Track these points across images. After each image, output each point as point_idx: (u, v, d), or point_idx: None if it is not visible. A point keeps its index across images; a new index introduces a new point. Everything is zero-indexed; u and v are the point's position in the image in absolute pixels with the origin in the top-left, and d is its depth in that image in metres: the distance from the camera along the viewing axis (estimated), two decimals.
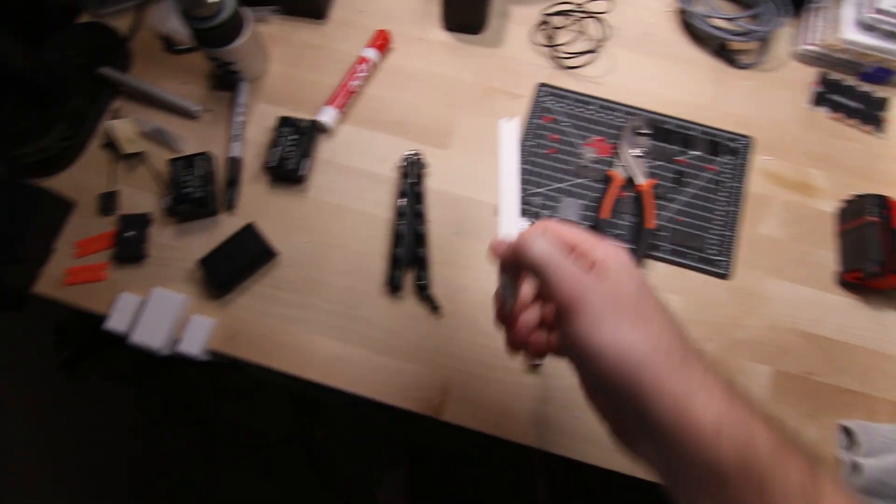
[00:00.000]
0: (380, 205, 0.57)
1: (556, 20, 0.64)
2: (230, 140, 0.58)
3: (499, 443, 0.50)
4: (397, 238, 0.55)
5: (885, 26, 0.57)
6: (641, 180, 0.57)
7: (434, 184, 0.58)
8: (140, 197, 0.57)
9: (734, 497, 0.24)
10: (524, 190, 0.57)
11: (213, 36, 0.54)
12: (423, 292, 0.54)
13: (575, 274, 0.28)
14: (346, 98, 0.59)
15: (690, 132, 0.60)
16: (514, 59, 0.63)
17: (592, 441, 0.49)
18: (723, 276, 0.55)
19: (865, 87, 0.62)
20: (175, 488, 1.13)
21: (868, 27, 0.58)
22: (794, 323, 0.54)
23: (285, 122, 0.57)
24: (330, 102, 0.59)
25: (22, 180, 0.55)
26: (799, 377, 0.52)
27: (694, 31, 0.64)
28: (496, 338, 0.53)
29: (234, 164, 0.57)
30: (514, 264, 0.32)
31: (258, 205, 0.57)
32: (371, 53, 0.61)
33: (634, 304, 0.28)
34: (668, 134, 0.60)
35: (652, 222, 0.55)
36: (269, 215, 0.56)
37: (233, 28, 0.54)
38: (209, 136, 0.60)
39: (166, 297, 0.53)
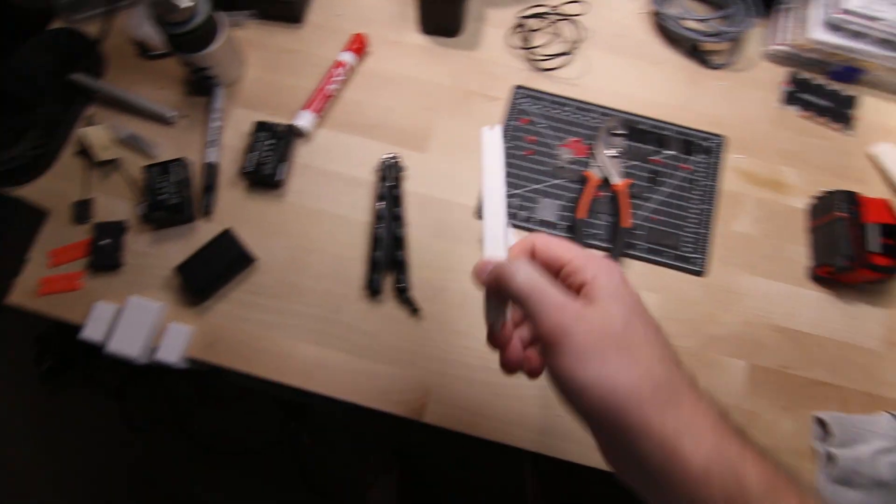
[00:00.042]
0: (358, 208, 0.57)
1: (532, 23, 0.65)
2: (206, 146, 0.58)
3: (489, 444, 0.50)
4: (376, 241, 0.55)
5: (852, 26, 0.58)
6: (617, 180, 0.57)
7: (412, 187, 0.58)
8: (115, 204, 0.57)
9: None
10: None
11: (187, 41, 0.53)
12: (403, 295, 0.54)
13: (559, 306, 0.27)
14: (323, 102, 0.59)
15: (664, 132, 0.61)
16: (491, 62, 0.64)
17: (574, 439, 0.50)
18: (698, 274, 0.56)
19: (834, 86, 0.63)
20: (163, 499, 1.11)
21: (835, 27, 0.59)
22: (768, 318, 0.55)
23: (262, 126, 0.57)
24: (307, 107, 0.59)
25: None
26: (774, 371, 0.53)
27: (667, 32, 0.65)
28: (476, 338, 0.53)
29: (211, 170, 0.57)
30: (498, 291, 0.30)
31: (235, 210, 0.57)
32: (348, 57, 0.61)
33: (621, 335, 0.26)
34: (642, 134, 0.61)
35: (628, 221, 0.56)
36: (246, 221, 0.56)
37: (207, 33, 0.54)
38: (185, 141, 0.59)
39: (143, 305, 0.52)
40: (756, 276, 0.56)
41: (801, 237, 0.58)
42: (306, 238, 0.56)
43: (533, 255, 0.31)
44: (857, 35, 0.59)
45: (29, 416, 1.16)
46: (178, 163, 0.55)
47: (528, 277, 0.28)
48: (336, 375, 0.52)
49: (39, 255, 0.55)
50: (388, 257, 0.55)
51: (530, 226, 0.57)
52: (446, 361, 0.52)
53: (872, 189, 0.59)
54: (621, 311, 0.27)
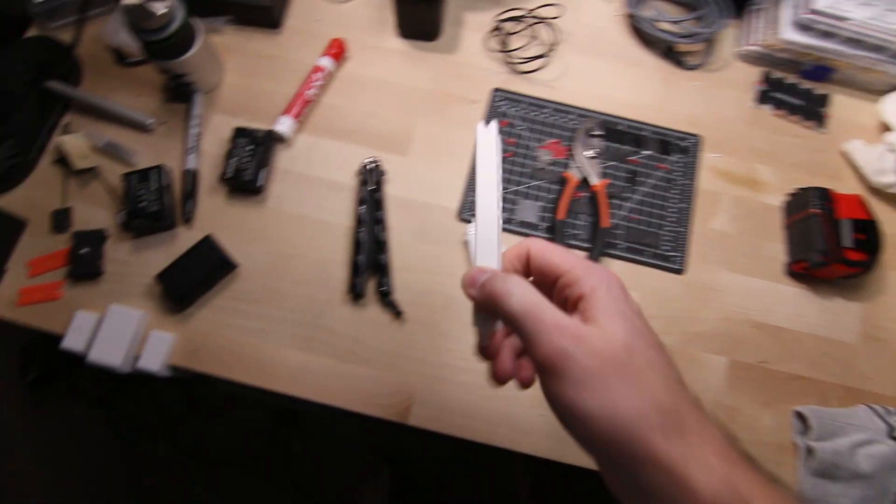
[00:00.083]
0: (339, 213, 0.57)
1: (509, 26, 0.65)
2: (186, 152, 0.58)
3: (479, 446, 0.51)
4: (358, 245, 0.55)
5: (820, 26, 0.59)
6: (596, 181, 0.58)
7: (393, 190, 0.58)
8: (94, 213, 0.56)
9: None
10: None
11: (164, 48, 0.53)
12: (386, 298, 0.54)
13: (556, 329, 0.25)
14: (302, 107, 0.60)
15: (642, 132, 0.62)
16: (470, 65, 0.64)
17: (557, 438, 0.50)
18: (677, 272, 0.57)
19: (806, 85, 0.64)
20: None
21: (805, 27, 0.60)
22: (746, 314, 0.56)
23: (241, 132, 0.57)
24: (286, 112, 0.59)
25: None
26: (754, 366, 0.54)
27: (642, 34, 0.66)
28: (459, 340, 0.53)
29: (191, 177, 0.57)
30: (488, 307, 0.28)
31: (216, 217, 0.57)
32: (327, 62, 0.61)
33: (624, 358, 0.25)
34: (620, 135, 0.61)
35: (607, 221, 0.56)
36: (227, 227, 0.56)
37: (183, 39, 0.54)
38: (164, 148, 0.59)
39: (124, 314, 0.52)
40: (734, 272, 0.57)
41: (777, 234, 0.59)
42: (288, 243, 0.56)
43: (527, 263, 0.30)
44: (826, 35, 0.60)
45: (16, 427, 1.14)
46: (158, 170, 0.55)
47: (522, 299, 0.26)
48: (320, 380, 0.52)
49: (18, 265, 0.54)
50: (370, 261, 0.55)
51: (511, 227, 0.57)
52: (430, 364, 0.53)
53: (845, 185, 0.60)
54: (623, 331, 0.26)
